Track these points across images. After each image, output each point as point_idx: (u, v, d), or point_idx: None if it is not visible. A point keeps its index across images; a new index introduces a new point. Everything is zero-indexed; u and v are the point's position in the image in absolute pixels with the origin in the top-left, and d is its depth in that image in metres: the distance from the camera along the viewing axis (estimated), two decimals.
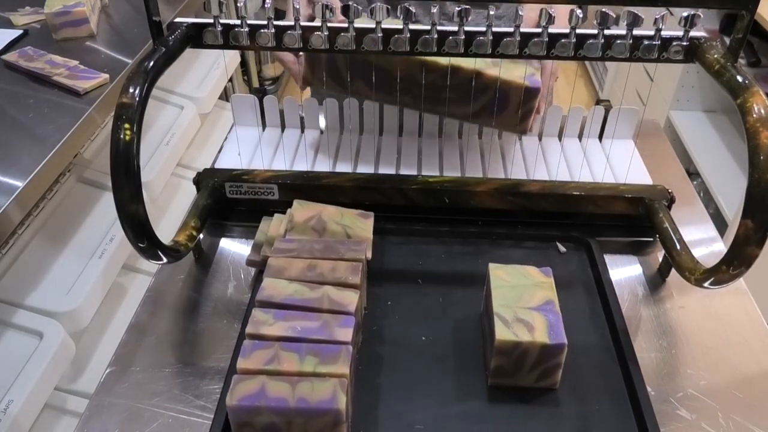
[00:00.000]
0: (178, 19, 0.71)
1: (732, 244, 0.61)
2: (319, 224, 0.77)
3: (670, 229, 0.76)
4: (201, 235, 0.79)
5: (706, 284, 0.66)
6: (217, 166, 0.92)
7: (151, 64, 0.65)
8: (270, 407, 0.56)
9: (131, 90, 0.62)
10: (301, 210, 0.79)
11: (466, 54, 0.69)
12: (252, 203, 0.86)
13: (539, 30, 0.68)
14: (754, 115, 0.59)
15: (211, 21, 0.70)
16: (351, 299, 0.66)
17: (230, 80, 2.10)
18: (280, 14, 0.78)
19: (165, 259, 0.68)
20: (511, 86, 0.81)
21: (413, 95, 0.84)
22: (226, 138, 1.00)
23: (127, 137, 0.60)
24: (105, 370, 0.68)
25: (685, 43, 0.68)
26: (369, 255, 0.75)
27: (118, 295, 1.25)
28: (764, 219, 0.58)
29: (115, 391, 0.66)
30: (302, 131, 1.00)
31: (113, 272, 1.17)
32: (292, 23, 0.69)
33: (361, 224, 0.79)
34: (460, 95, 0.83)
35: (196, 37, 0.71)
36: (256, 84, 2.78)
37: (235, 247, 0.84)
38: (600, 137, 0.98)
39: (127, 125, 0.61)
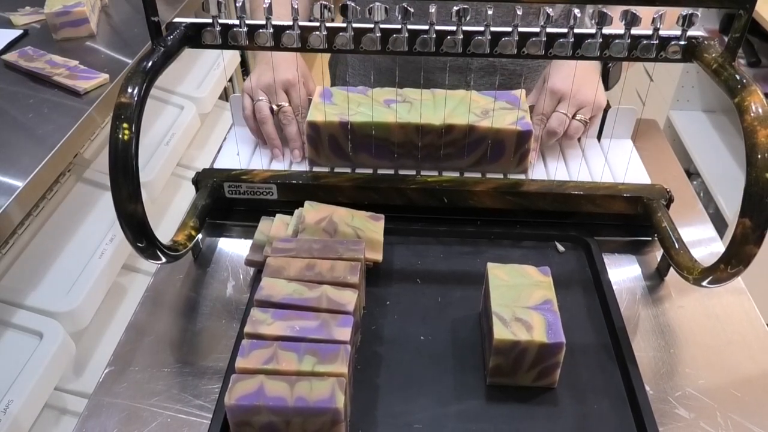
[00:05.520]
0: (176, 19, 0.71)
1: (730, 242, 0.61)
2: (331, 226, 0.77)
3: (668, 228, 0.76)
4: (200, 235, 0.80)
5: (704, 283, 0.66)
6: (216, 166, 0.92)
7: (150, 64, 0.65)
8: (268, 406, 0.56)
9: (130, 90, 0.62)
10: (313, 211, 0.79)
11: (464, 54, 0.70)
12: (251, 203, 0.86)
13: (537, 30, 0.68)
14: (752, 114, 0.59)
15: (210, 21, 0.70)
16: (349, 299, 0.66)
17: (230, 80, 2.10)
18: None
19: (164, 259, 0.68)
20: (505, 134, 0.85)
21: (413, 157, 0.89)
22: (225, 138, 1.00)
23: (126, 137, 0.61)
24: (104, 369, 0.68)
25: (683, 43, 0.68)
26: (380, 257, 0.76)
27: (118, 295, 1.25)
28: (762, 217, 0.58)
29: (114, 391, 0.66)
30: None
31: (113, 272, 1.17)
32: (291, 23, 0.69)
33: (372, 226, 0.79)
34: (458, 150, 0.87)
35: (194, 37, 0.71)
36: None
37: (233, 247, 0.84)
38: (599, 137, 0.98)
39: (125, 125, 0.61)
